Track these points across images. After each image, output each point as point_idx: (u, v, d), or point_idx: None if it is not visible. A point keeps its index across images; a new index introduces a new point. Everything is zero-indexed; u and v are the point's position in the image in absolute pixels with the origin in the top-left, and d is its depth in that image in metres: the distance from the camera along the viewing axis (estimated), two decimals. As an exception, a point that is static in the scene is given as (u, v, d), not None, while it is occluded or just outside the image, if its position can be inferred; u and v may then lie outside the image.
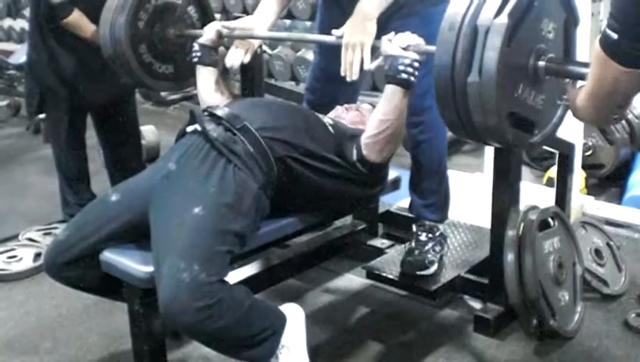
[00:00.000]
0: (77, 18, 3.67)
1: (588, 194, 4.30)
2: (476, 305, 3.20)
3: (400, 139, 2.73)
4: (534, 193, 3.76)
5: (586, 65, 2.04)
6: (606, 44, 1.67)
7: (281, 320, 2.42)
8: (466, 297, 3.27)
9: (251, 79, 3.70)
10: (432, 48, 2.27)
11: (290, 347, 2.41)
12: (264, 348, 2.36)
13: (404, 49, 2.49)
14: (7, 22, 8.94)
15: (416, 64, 2.50)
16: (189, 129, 2.67)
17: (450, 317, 3.18)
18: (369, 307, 3.30)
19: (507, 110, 2.12)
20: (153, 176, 2.61)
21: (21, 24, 8.39)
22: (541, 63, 2.15)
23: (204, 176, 2.46)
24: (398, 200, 3.74)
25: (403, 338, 3.05)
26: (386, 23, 2.76)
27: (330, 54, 2.77)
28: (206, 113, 2.68)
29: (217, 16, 7.49)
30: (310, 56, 5.79)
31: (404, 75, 2.50)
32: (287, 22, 6.95)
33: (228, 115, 2.62)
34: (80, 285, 2.66)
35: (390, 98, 2.58)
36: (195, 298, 2.18)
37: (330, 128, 2.74)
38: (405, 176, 3.21)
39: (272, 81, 6.36)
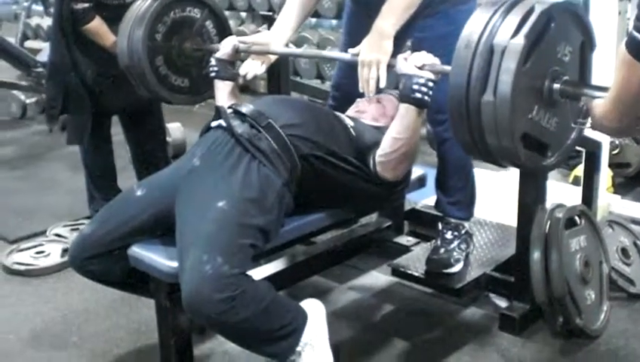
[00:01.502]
0: (97, 26, 3.69)
1: (614, 193, 4.27)
2: (502, 303, 3.19)
3: (414, 157, 2.74)
4: (561, 191, 3.75)
5: (601, 88, 2.02)
6: (632, 46, 1.65)
7: (302, 317, 2.42)
8: (491, 295, 3.26)
9: (277, 77, 3.72)
10: (447, 68, 2.27)
11: (313, 344, 2.41)
12: (285, 343, 2.37)
13: (420, 68, 2.48)
14: (35, 20, 8.99)
15: (430, 84, 2.49)
16: (214, 124, 2.68)
17: (476, 315, 3.17)
18: (394, 304, 3.30)
19: (521, 131, 2.11)
20: (178, 171, 2.63)
21: (49, 22, 8.43)
22: (556, 86, 2.14)
23: (229, 172, 2.48)
24: (424, 198, 3.74)
25: (428, 335, 3.05)
26: (410, 22, 2.76)
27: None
28: (231, 110, 2.69)
29: (243, 14, 7.55)
30: (336, 54, 5.79)
31: (418, 95, 2.49)
32: (313, 20, 6.96)
33: (252, 112, 2.63)
34: (104, 279, 2.68)
35: (404, 117, 2.57)
36: (218, 290, 2.19)
37: (352, 131, 2.74)
38: (431, 174, 3.20)
39: (298, 79, 6.37)
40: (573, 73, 2.21)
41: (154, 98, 3.50)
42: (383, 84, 2.65)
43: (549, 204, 3.00)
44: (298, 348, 2.39)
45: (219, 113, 2.70)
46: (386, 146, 2.64)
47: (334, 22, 6.66)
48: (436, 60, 2.51)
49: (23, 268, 3.70)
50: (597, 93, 2.02)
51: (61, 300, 3.41)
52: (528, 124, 2.13)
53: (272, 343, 2.36)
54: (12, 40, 7.19)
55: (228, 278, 2.21)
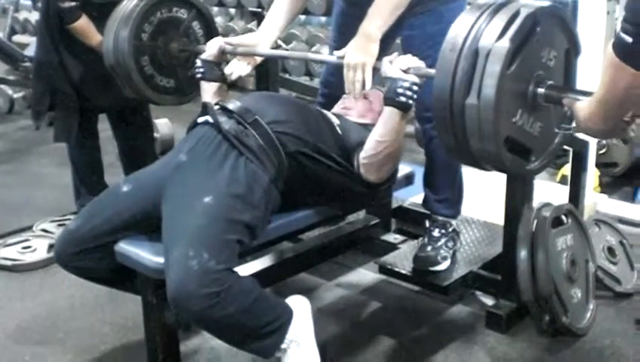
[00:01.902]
0: (84, 25, 3.68)
1: (601, 192, 4.29)
2: (488, 301, 3.20)
3: (398, 159, 2.73)
4: (548, 190, 3.76)
5: (586, 93, 2.01)
6: (619, 48, 1.64)
7: (288, 314, 2.42)
8: (478, 293, 3.27)
9: (266, 74, 3.72)
10: (432, 71, 2.26)
11: (298, 341, 2.41)
12: (270, 340, 2.37)
13: (405, 71, 2.47)
14: (24, 14, 8.96)
15: (415, 87, 2.47)
16: (201, 120, 2.68)
17: (462, 313, 3.18)
18: (381, 302, 3.31)
19: (504, 135, 2.09)
20: (165, 167, 2.62)
21: (37, 16, 8.40)
22: (540, 90, 2.13)
23: (216, 167, 2.47)
24: (412, 196, 3.74)
25: (414, 333, 3.05)
26: (399, 20, 2.76)
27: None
28: (218, 106, 2.69)
29: (232, 11, 7.54)
30: (324, 51, 5.79)
31: (402, 98, 2.47)
32: (302, 17, 6.97)
33: (239, 108, 2.62)
34: (90, 275, 2.66)
35: (387, 120, 2.56)
36: (203, 285, 2.18)
37: (338, 129, 2.75)
38: (419, 172, 3.21)
39: (287, 76, 6.36)
40: (557, 78, 2.21)
41: (139, 98, 3.48)
42: (368, 87, 2.65)
43: (536, 202, 3.01)
44: (283, 345, 2.39)
45: (206, 109, 2.70)
46: (369, 148, 2.64)
47: (323, 19, 6.65)
48: (421, 63, 2.50)
49: (9, 263, 3.69)
50: (581, 98, 2.02)
51: (47, 296, 3.40)
52: (512, 128, 2.12)
53: (257, 340, 2.36)
54: (0, 34, 7.16)
55: (214, 274, 2.21)
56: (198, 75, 3.03)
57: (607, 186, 4.52)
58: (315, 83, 5.84)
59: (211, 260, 2.21)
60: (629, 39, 1.61)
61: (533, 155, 2.25)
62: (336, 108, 3.00)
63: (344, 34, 2.87)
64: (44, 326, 3.15)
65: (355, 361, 2.85)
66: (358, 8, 2.80)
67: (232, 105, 2.65)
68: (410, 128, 2.99)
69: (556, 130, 2.25)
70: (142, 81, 3.29)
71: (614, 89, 1.73)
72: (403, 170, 3.06)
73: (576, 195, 3.41)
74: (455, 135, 2.13)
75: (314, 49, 6.42)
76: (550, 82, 2.14)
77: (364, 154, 2.65)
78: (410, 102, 2.49)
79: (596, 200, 4.03)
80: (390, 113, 2.54)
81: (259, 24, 4.04)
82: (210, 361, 2.87)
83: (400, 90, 2.47)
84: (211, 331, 2.37)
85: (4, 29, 8.28)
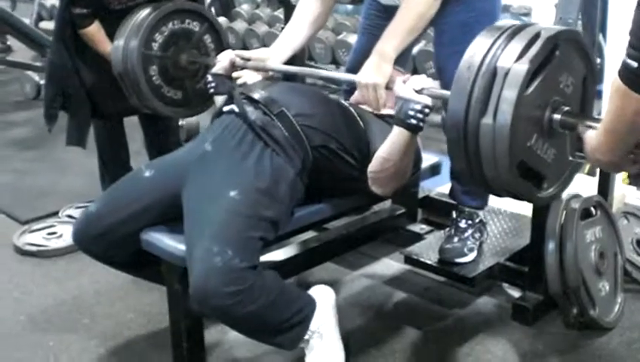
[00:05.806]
0: (94, 32, 3.62)
1: (630, 184, 4.24)
2: (515, 293, 3.17)
3: (405, 177, 2.67)
4: (576, 182, 3.71)
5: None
6: (625, 74, 1.59)
7: (310, 307, 2.41)
8: (504, 285, 3.25)
9: (292, 61, 3.70)
10: (446, 92, 2.20)
11: (321, 333, 2.41)
12: (292, 334, 2.37)
13: (418, 92, 2.40)
14: (50, 0, 8.98)
15: (427, 110, 2.41)
16: (226, 108, 2.66)
17: (489, 305, 3.16)
18: (406, 292, 3.29)
19: (518, 158, 2.03)
20: (189, 155, 2.62)
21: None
22: (557, 116, 2.06)
23: (241, 158, 2.46)
24: (438, 186, 3.72)
25: (440, 324, 3.04)
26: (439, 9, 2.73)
27: (375, 37, 2.75)
28: (243, 96, 2.67)
29: (258, -2, 7.51)
30: (351, 39, 5.77)
31: (413, 121, 2.41)
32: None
33: (265, 99, 2.60)
34: (107, 259, 2.68)
35: (396, 139, 2.50)
36: (227, 283, 2.18)
37: (361, 123, 2.71)
38: (446, 162, 3.17)
39: (313, 64, 6.34)
40: (574, 105, 2.14)
41: (146, 108, 3.45)
42: (382, 106, 2.64)
43: (565, 194, 2.98)
44: (306, 337, 2.38)
45: (231, 98, 2.68)
46: (375, 164, 2.60)
47: (350, 7, 6.62)
48: (435, 84, 2.45)
49: (34, 249, 3.71)
50: (597, 126, 1.96)
51: (73, 282, 3.41)
52: (526, 152, 2.05)
53: (279, 334, 2.36)
54: (27, 20, 7.18)
55: (237, 272, 2.20)
56: (211, 90, 2.98)
57: (637, 178, 4.47)
58: (342, 70, 5.81)
59: (235, 258, 2.21)
60: (635, 64, 1.56)
61: (545, 182, 2.18)
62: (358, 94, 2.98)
63: (373, 26, 2.84)
64: (69, 312, 3.17)
65: (380, 352, 2.83)
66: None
67: (258, 95, 2.62)
68: (437, 117, 2.95)
69: (570, 159, 2.20)
70: (149, 91, 3.28)
71: (622, 117, 1.67)
72: (430, 160, 3.04)
73: (605, 187, 3.37)
74: (467, 157, 2.07)
75: (340, 37, 6.40)
76: (567, 108, 2.08)
77: (370, 168, 2.62)
78: (421, 124, 2.43)
79: (625, 192, 3.98)
80: (399, 133, 2.48)
81: (286, 12, 4.02)
82: (235, 349, 2.87)
83: (411, 113, 2.41)
84: (233, 327, 2.37)
85: (30, 16, 8.31)
